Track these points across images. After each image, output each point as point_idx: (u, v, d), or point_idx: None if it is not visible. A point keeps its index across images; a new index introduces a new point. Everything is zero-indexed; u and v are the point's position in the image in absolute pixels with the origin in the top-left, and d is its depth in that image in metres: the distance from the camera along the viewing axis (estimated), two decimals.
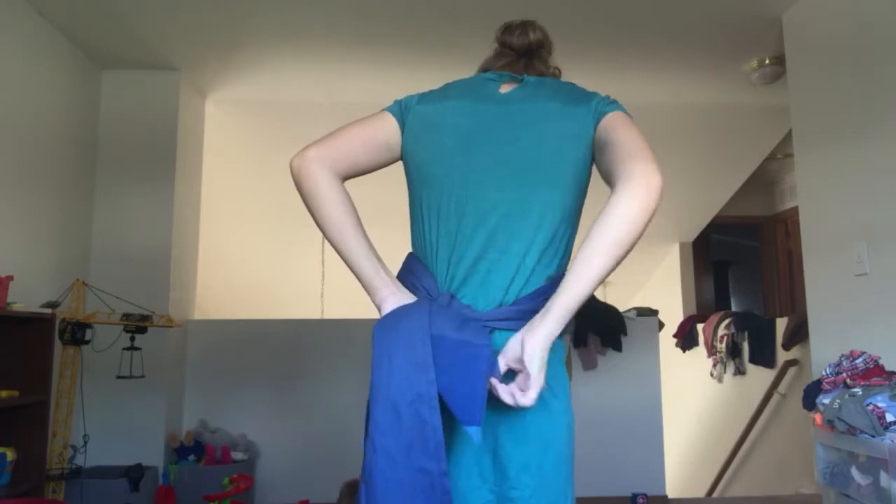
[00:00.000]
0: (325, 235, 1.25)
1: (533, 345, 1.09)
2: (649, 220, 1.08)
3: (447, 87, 1.37)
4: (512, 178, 1.23)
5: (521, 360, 1.10)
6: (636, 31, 3.67)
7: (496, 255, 1.22)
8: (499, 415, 1.18)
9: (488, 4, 3.38)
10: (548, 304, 1.11)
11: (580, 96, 1.29)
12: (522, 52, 1.39)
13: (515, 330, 1.15)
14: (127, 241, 3.99)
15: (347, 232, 1.24)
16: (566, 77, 1.45)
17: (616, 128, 1.20)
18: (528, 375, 1.09)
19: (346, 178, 1.29)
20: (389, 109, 1.35)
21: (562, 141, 1.24)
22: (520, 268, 1.21)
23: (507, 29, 1.40)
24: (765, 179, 6.35)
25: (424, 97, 1.36)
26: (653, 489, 4.13)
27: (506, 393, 1.11)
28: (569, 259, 1.26)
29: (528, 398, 1.09)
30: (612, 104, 1.27)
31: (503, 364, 1.13)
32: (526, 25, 1.39)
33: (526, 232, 1.22)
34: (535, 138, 1.24)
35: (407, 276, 1.30)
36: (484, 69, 1.42)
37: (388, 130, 1.32)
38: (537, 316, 1.12)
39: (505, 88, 1.33)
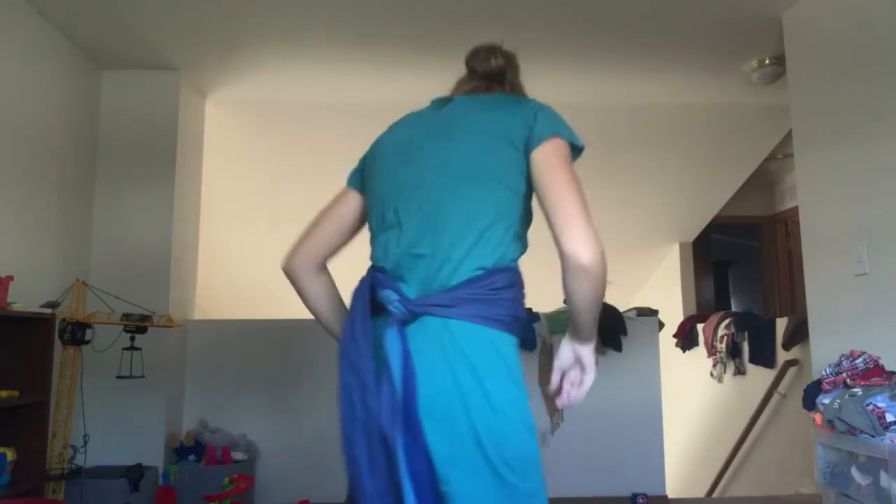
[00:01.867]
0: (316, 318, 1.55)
1: (586, 349, 1.34)
2: (604, 280, 1.24)
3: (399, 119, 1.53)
4: (441, 180, 1.33)
5: (578, 360, 1.35)
6: (636, 31, 3.67)
7: (430, 251, 1.30)
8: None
9: (488, 5, 3.38)
10: (575, 328, 1.33)
11: (512, 103, 1.39)
12: (485, 77, 1.50)
13: (450, 317, 1.24)
14: (127, 241, 3.99)
15: (331, 319, 1.54)
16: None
17: (548, 169, 1.29)
18: (584, 370, 1.35)
19: (330, 258, 1.51)
20: (350, 181, 1.52)
21: (490, 143, 1.33)
22: (447, 261, 1.28)
23: (474, 54, 1.51)
24: (765, 179, 6.35)
25: (379, 137, 1.50)
26: (653, 489, 4.13)
27: (562, 395, 1.36)
28: (513, 250, 1.33)
29: (584, 389, 1.35)
30: (547, 125, 1.32)
31: (558, 370, 1.37)
32: (490, 52, 1.50)
33: (454, 228, 1.29)
34: (464, 142, 1.34)
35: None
36: (454, 90, 1.53)
37: (352, 204, 1.49)
38: (575, 331, 1.34)
39: (441, 108, 1.46)
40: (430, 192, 1.33)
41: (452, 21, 3.54)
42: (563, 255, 1.21)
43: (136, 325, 3.35)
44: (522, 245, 1.37)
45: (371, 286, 1.34)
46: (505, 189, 1.31)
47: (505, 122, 1.33)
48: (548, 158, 1.29)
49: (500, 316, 1.28)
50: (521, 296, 1.36)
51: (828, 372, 2.47)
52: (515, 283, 1.33)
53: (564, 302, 1.33)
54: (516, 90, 1.51)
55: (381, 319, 1.31)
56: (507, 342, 1.29)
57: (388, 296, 1.30)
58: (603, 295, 1.26)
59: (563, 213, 1.23)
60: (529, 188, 1.33)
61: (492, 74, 1.48)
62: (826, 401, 2.39)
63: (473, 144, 1.33)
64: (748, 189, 5.90)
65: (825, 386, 2.44)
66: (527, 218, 1.38)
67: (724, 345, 5.33)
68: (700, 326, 5.79)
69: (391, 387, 1.23)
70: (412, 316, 1.28)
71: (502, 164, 1.31)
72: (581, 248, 1.20)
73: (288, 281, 1.51)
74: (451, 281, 1.27)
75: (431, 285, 1.28)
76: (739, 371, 5.26)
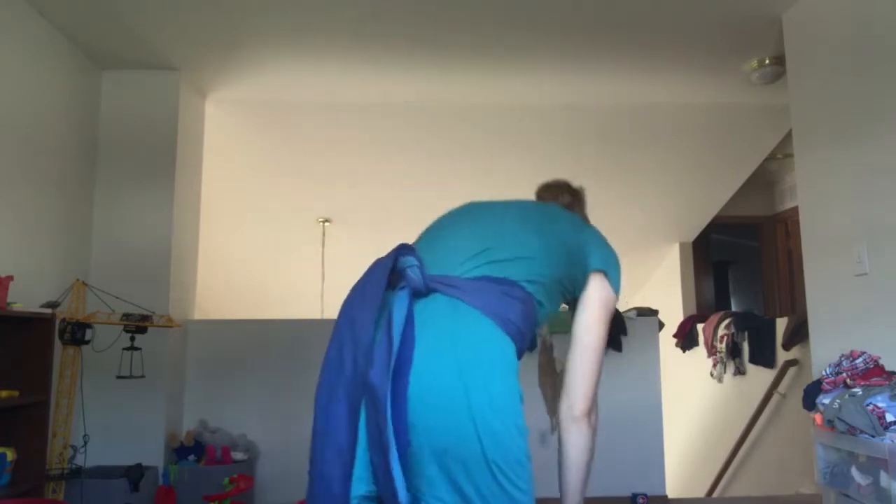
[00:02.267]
0: None
1: None
2: (593, 433, 1.43)
3: None
4: (508, 220, 1.46)
5: None
6: (636, 31, 3.67)
7: (467, 249, 1.39)
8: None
9: (489, 5, 3.37)
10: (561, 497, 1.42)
11: (581, 221, 1.58)
12: None
13: (462, 300, 1.28)
14: (127, 241, 3.98)
15: None
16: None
17: (591, 308, 1.45)
18: None
19: None
20: None
21: (547, 221, 1.48)
22: (476, 259, 1.36)
23: (546, 188, 1.70)
24: (765, 179, 6.35)
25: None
26: (653, 489, 4.13)
27: None
28: (535, 291, 1.39)
29: None
30: (603, 258, 1.47)
31: None
32: (559, 189, 1.68)
33: (498, 243, 1.39)
34: (532, 212, 1.51)
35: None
36: None
37: None
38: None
39: None
40: (499, 220, 1.45)
41: (452, 21, 3.54)
42: (560, 406, 1.42)
43: (136, 325, 3.35)
44: (543, 302, 1.40)
45: (395, 257, 1.34)
46: (544, 253, 1.41)
47: (576, 225, 1.52)
48: (593, 298, 1.45)
49: (509, 319, 1.29)
50: (532, 323, 1.37)
51: (828, 372, 2.47)
52: (531, 305, 1.36)
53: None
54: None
55: (393, 291, 1.30)
56: (510, 345, 1.28)
57: (408, 261, 1.32)
58: (592, 453, 1.40)
59: (576, 366, 1.43)
60: (565, 274, 1.45)
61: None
62: (826, 401, 2.39)
63: (548, 215, 1.50)
64: (748, 189, 5.90)
65: (825, 386, 2.44)
66: (557, 294, 1.45)
67: (724, 345, 5.33)
68: (700, 326, 5.79)
69: (389, 345, 1.20)
70: (425, 289, 1.28)
71: (563, 245, 1.44)
72: (576, 404, 1.41)
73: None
74: (472, 273, 1.32)
75: (453, 272, 1.33)
76: (739, 371, 5.26)
